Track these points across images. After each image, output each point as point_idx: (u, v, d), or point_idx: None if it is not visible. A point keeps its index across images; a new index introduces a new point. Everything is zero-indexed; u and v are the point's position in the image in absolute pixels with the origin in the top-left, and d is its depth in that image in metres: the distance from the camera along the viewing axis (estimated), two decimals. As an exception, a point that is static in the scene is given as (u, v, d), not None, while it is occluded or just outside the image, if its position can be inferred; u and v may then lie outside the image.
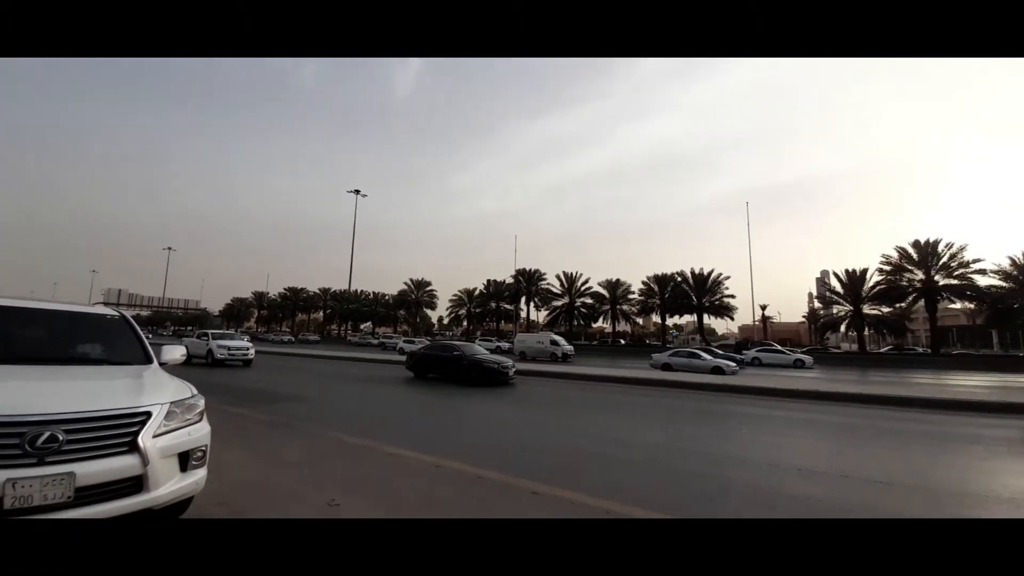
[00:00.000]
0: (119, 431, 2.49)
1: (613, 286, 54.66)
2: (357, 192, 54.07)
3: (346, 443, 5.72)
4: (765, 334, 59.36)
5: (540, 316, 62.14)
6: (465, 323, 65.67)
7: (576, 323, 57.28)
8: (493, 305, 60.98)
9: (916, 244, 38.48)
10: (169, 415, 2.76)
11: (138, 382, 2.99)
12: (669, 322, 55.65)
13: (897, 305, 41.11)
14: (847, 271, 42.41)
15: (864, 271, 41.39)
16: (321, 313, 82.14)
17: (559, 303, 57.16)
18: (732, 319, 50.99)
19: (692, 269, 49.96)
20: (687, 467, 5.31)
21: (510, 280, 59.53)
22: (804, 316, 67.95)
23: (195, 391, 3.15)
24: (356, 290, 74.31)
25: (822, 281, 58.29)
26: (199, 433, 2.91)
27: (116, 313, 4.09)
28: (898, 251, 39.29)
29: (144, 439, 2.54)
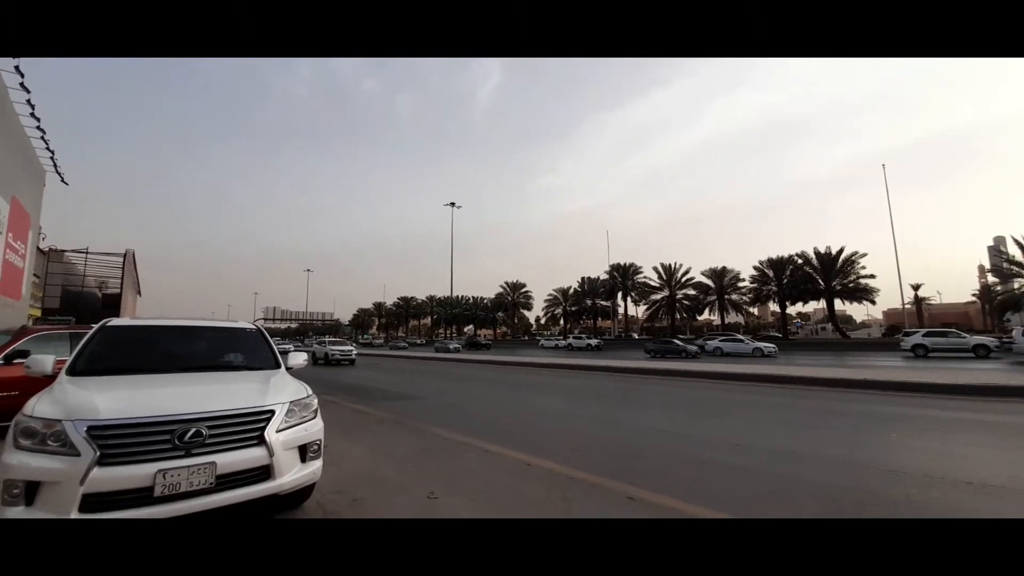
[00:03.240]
0: (250, 426, 2.92)
1: (718, 275, 50.50)
2: (452, 205, 57.15)
3: (448, 439, 6.03)
4: (920, 319, 49.96)
5: (638, 311, 59.66)
6: (562, 322, 65.61)
7: (679, 316, 53.89)
8: (589, 302, 60.03)
9: None
10: (289, 413, 3.16)
11: (265, 385, 3.46)
12: (791, 310, 49.67)
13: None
14: (1034, 235, 33.91)
15: (1061, 233, 32.73)
16: (429, 319, 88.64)
17: (658, 297, 54.40)
18: (873, 303, 43.81)
19: (816, 249, 44.11)
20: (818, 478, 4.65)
21: (604, 276, 58.11)
22: (974, 294, 55.91)
23: (310, 391, 3.57)
24: (458, 296, 78.63)
25: (996, 249, 47.23)
26: (314, 428, 3.30)
27: (254, 327, 4.80)
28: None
29: (270, 433, 2.95)
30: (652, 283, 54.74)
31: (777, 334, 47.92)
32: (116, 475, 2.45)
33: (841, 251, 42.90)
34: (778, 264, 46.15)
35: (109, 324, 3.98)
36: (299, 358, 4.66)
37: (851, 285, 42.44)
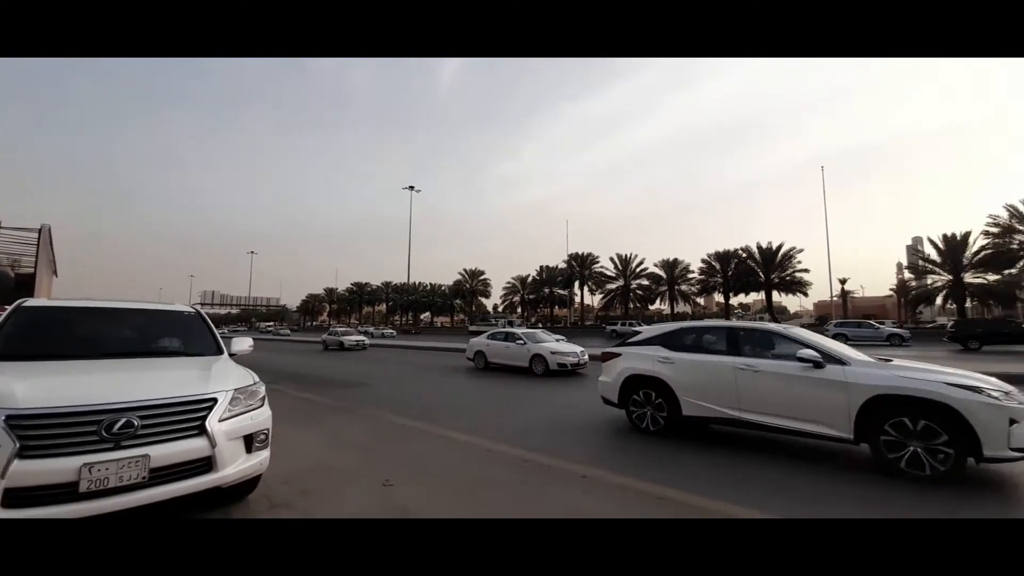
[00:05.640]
0: (189, 416, 2.74)
1: (670, 266, 52.56)
2: (411, 188, 55.74)
3: (402, 426, 5.95)
4: (845, 310, 54.48)
5: (595, 300, 61.22)
6: (519, 309, 66.16)
7: (632, 306, 55.80)
8: (546, 291, 60.83)
9: (1032, 200, 33.27)
10: (233, 401, 2.99)
11: (207, 372, 3.26)
12: (734, 301, 52.68)
13: (1006, 272, 35.95)
14: (945, 236, 37.77)
15: (966, 235, 36.65)
16: (384, 305, 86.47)
17: (613, 286, 55.93)
18: (806, 295, 47.28)
19: (759, 243, 46.83)
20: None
21: (563, 265, 59.03)
22: (892, 289, 61.54)
23: (257, 378, 3.39)
24: (415, 282, 77.22)
25: (913, 249, 52.39)
26: (261, 417, 3.14)
27: (192, 310, 4.48)
28: (1008, 210, 34.23)
29: (211, 423, 2.78)
30: (608, 273, 56.20)
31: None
32: (38, 469, 2.25)
33: (780, 247, 45.84)
34: (724, 257, 48.65)
35: (25, 305, 3.61)
36: (244, 343, 4.41)
37: (788, 278, 45.51)
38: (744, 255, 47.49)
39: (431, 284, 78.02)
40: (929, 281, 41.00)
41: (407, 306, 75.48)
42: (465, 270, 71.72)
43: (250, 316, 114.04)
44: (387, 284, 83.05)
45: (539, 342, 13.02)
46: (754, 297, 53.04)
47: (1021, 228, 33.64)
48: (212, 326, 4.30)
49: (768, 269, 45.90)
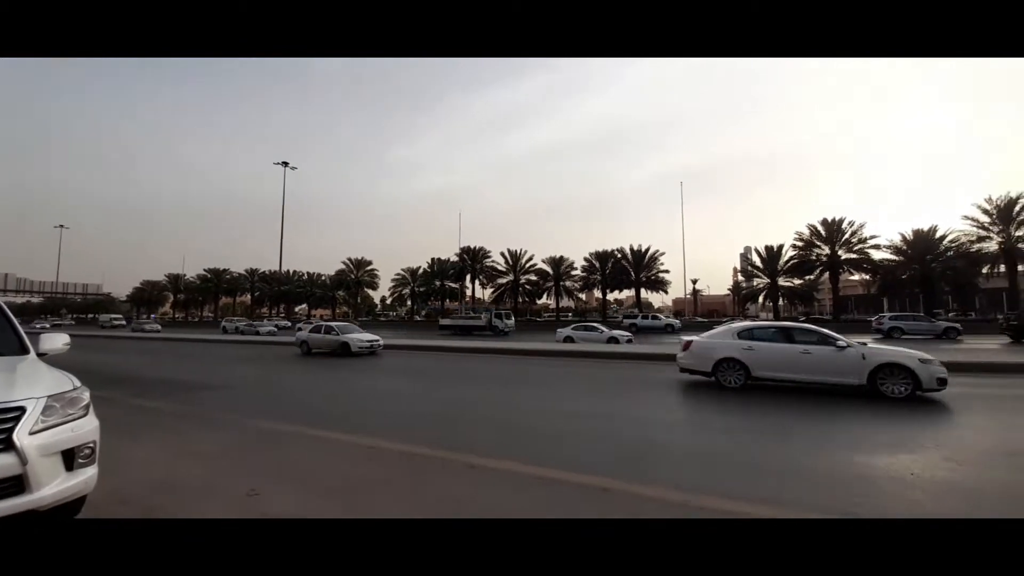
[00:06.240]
0: None
1: (557, 263, 55.73)
2: (285, 165, 50.41)
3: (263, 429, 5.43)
4: (695, 306, 63.54)
5: (485, 293, 62.29)
6: (409, 302, 64.36)
7: (521, 300, 58.02)
8: (438, 284, 60.10)
9: (824, 222, 42.60)
10: (47, 410, 2.46)
11: (10, 375, 2.63)
12: (610, 297, 57.93)
13: (807, 277, 45.58)
14: (766, 247, 46.19)
15: (780, 247, 45.29)
16: (248, 296, 76.53)
17: (504, 280, 57.51)
18: (667, 293, 54.01)
19: (631, 246, 52.03)
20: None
21: (455, 258, 58.84)
22: (729, 289, 73.51)
23: (78, 383, 2.81)
24: (288, 271, 70.19)
25: (745, 256, 63.07)
26: (85, 428, 2.61)
27: (-20, 298, 3.52)
28: (809, 228, 43.34)
29: (20, 436, 2.27)
30: (499, 267, 57.56)
31: (599, 318, 55.63)
32: None
33: (648, 249, 51.66)
34: (602, 257, 53.20)
35: None
36: (56, 340, 3.59)
37: (653, 277, 51.56)
38: (619, 255, 52.47)
39: (308, 273, 71.54)
40: (755, 283, 49.94)
41: (278, 297, 68.24)
42: (350, 259, 67.19)
43: (59, 306, 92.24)
44: (253, 271, 73.55)
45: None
46: (627, 293, 59.03)
47: (818, 244, 42.86)
48: (12, 318, 3.44)
49: (638, 269, 51.41)
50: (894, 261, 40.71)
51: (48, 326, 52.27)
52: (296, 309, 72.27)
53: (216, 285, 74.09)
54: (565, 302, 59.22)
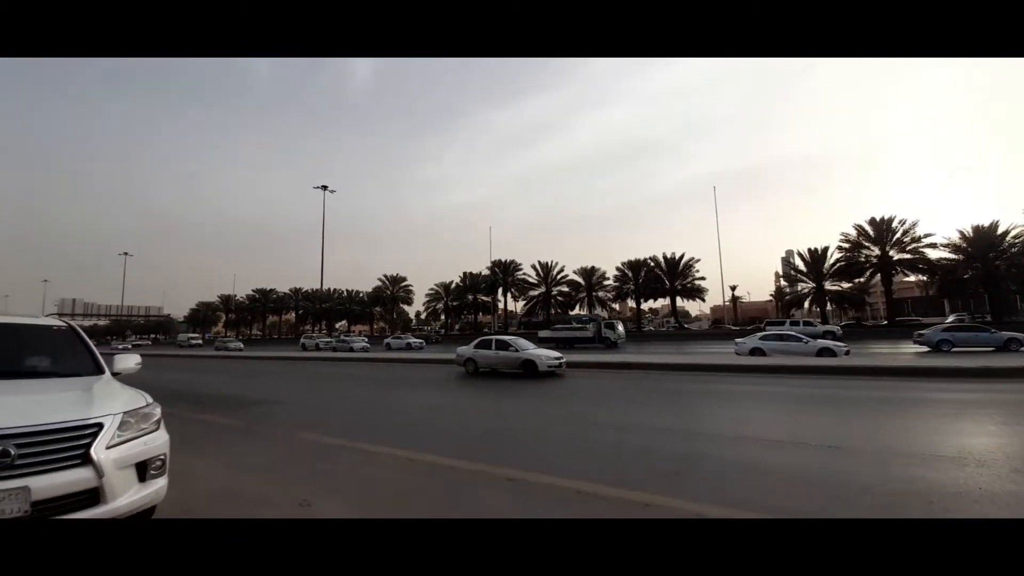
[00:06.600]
0: (71, 443, 2.44)
1: (588, 273, 55.28)
2: (325, 188, 52.79)
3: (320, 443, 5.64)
4: (735, 314, 61.25)
5: (517, 306, 62.43)
6: (443, 317, 65.31)
7: (553, 311, 57.74)
8: (470, 298, 60.78)
9: (872, 222, 40.28)
10: (123, 425, 2.69)
11: (88, 394, 2.90)
12: (644, 306, 56.84)
13: (856, 280, 43.06)
14: (809, 250, 44.13)
15: (825, 249, 43.14)
16: (293, 314, 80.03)
17: (535, 293, 57.49)
18: (704, 300, 52.44)
19: (664, 254, 51.00)
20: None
21: (486, 272, 59.47)
22: (771, 295, 70.52)
23: (150, 400, 3.06)
24: (329, 289, 72.86)
25: (787, 260, 60.38)
26: (156, 442, 2.84)
27: (64, 324, 3.91)
28: (856, 229, 41.11)
29: (97, 451, 2.49)
30: (530, 280, 57.70)
31: (632, 327, 54.52)
32: None
33: (683, 256, 50.45)
34: (635, 266, 52.34)
35: None
36: (129, 361, 3.91)
37: (689, 285, 50.20)
38: (652, 264, 51.49)
39: (347, 291, 74.12)
40: (799, 287, 47.71)
41: (320, 314, 70.88)
42: (386, 276, 69.26)
43: (124, 328, 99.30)
44: (296, 291, 77.04)
45: None
46: (661, 302, 57.75)
47: (867, 244, 40.55)
48: (89, 341, 3.79)
49: (672, 277, 50.23)
50: (953, 260, 37.96)
51: (130, 347, 56.08)
52: (336, 326, 74.77)
53: (264, 304, 77.96)
54: (598, 311, 58.48)
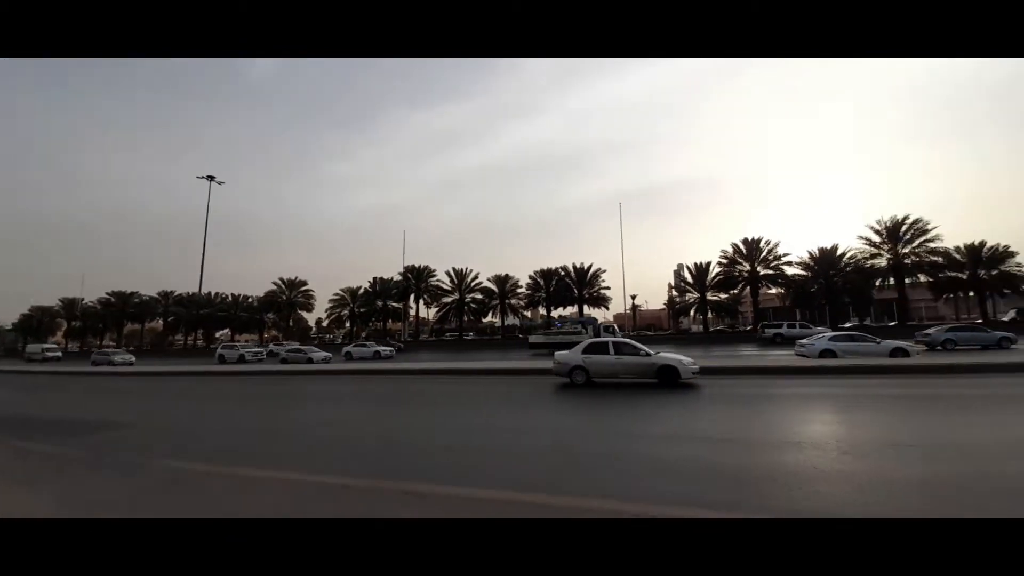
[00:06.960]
0: None
1: (502, 281, 56.01)
2: (211, 179, 46.49)
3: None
4: (635, 321, 66.64)
5: (430, 313, 60.90)
6: (348, 324, 61.16)
7: (467, 318, 57.43)
8: (380, 304, 57.81)
9: (745, 241, 47.00)
10: None
11: None
12: (554, 313, 59.10)
13: (731, 292, 49.78)
14: (696, 264, 49.91)
15: (708, 264, 49.17)
16: (160, 321, 68.42)
17: (449, 299, 56.65)
18: (608, 308, 56.26)
19: (574, 264, 53.75)
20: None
21: (398, 277, 57.18)
22: (664, 304, 78.13)
23: None
24: (210, 293, 64.02)
25: (678, 273, 67.24)
26: None
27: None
28: (732, 247, 47.59)
29: None
30: (444, 286, 56.67)
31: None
32: None
33: (591, 267, 53.67)
34: (547, 275, 54.39)
35: None
36: None
37: (595, 294, 53.53)
38: (563, 273, 53.97)
39: (232, 295, 65.68)
40: (687, 298, 53.57)
41: (195, 321, 61.81)
42: (282, 279, 62.80)
43: None
44: (167, 294, 66.15)
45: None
46: (571, 310, 60.55)
47: (740, 261, 47.09)
48: None
49: (581, 286, 53.14)
50: (803, 276, 45.69)
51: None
52: (217, 334, 65.87)
53: (122, 310, 65.51)
54: (510, 319, 59.52)
